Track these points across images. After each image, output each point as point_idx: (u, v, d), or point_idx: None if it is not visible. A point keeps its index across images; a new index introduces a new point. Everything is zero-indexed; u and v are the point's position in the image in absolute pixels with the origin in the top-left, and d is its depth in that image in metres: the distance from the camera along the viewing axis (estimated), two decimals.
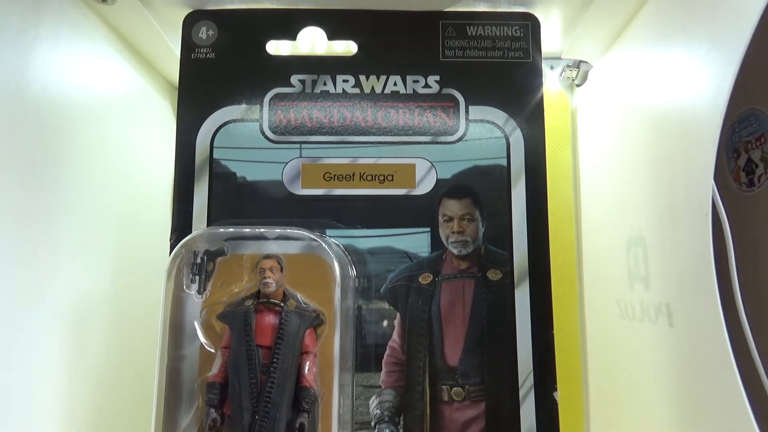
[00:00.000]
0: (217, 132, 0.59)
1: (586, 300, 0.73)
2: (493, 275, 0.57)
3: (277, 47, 0.67)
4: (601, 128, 0.70)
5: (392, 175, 0.59)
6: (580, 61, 0.75)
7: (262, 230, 0.55)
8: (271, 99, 0.60)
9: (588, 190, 0.74)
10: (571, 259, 0.74)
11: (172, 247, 0.56)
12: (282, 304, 0.53)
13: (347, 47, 0.65)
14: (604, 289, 0.68)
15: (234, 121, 0.59)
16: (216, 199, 0.58)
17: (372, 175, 0.59)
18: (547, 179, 0.59)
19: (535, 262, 0.57)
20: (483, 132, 0.60)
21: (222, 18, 0.61)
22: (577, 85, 0.77)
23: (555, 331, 0.56)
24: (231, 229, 0.55)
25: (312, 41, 0.70)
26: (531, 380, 0.56)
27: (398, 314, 0.57)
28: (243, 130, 0.59)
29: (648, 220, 0.57)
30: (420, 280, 0.58)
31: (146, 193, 0.72)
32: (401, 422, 0.56)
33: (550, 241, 0.58)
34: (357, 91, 0.60)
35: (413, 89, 0.60)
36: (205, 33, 0.61)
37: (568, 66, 0.76)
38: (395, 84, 0.61)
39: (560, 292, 0.73)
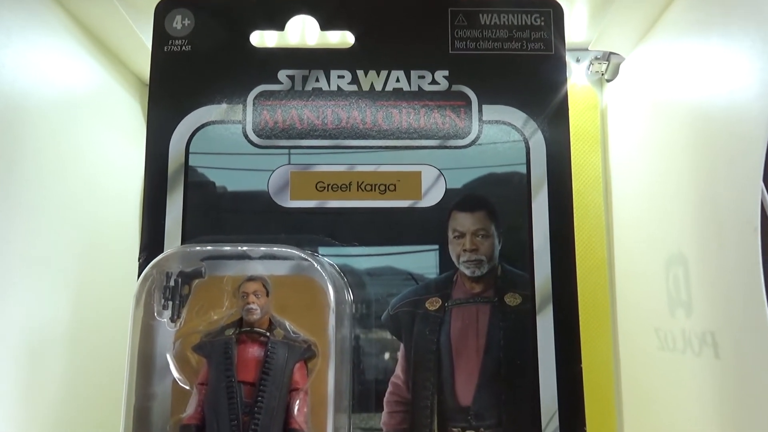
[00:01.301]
0: (193, 135, 0.60)
1: (620, 328, 0.73)
2: (512, 300, 0.58)
3: (262, 38, 0.68)
4: (635, 129, 0.71)
5: (395, 185, 0.59)
6: (610, 53, 0.76)
7: (245, 248, 0.56)
8: (255, 98, 0.61)
9: (621, 200, 0.74)
10: (602, 281, 0.74)
11: (141, 269, 0.56)
12: (268, 334, 0.53)
13: (343, 38, 0.66)
14: (640, 316, 0.68)
15: (213, 122, 0.60)
16: (192, 213, 0.58)
17: (371, 185, 0.59)
18: (573, 189, 0.60)
19: (560, 285, 0.58)
20: (499, 135, 0.61)
21: (199, 5, 0.62)
22: (607, 80, 0.78)
23: (583, 365, 0.56)
24: (209, 247, 0.56)
25: (302, 31, 0.71)
26: (556, 422, 0.56)
27: (402, 345, 0.58)
28: (223, 134, 0.60)
29: (690, 236, 0.57)
30: (427, 305, 0.58)
31: (112, 206, 0.73)
32: None
33: (577, 260, 0.58)
34: (354, 88, 0.61)
35: (418, 86, 0.61)
36: (180, 22, 0.62)
37: (596, 58, 0.77)
38: (398, 80, 0.61)
39: (589, 319, 0.73)
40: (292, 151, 0.60)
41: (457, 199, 0.59)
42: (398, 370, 0.57)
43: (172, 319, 0.54)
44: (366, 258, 0.58)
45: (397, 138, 0.60)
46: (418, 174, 0.60)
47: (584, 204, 0.75)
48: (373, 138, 0.60)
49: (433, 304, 0.58)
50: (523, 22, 0.62)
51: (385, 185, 0.59)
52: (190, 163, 0.59)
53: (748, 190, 0.46)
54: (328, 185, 0.59)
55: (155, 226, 0.58)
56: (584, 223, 0.75)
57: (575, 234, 0.59)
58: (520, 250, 0.58)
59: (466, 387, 0.57)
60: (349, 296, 0.57)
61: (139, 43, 0.71)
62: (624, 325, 0.73)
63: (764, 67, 0.46)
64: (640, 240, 0.69)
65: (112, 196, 0.73)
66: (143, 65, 0.76)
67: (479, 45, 0.62)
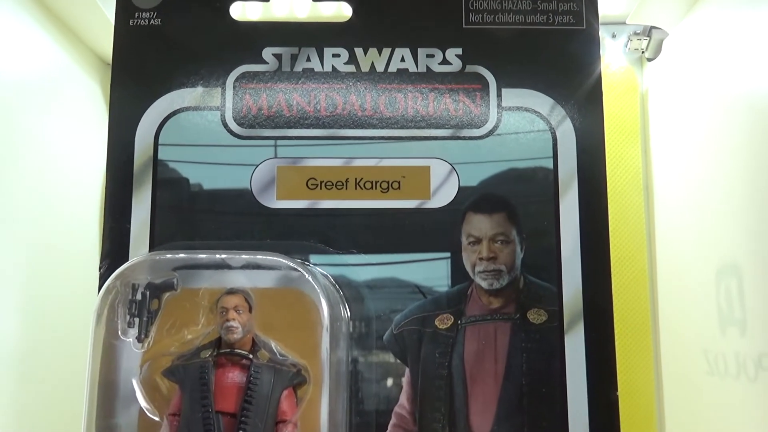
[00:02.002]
0: (163, 124, 0.60)
1: (663, 350, 0.74)
2: (536, 317, 0.58)
3: (244, 11, 0.68)
4: (681, 118, 0.71)
5: (399, 182, 0.60)
6: (652, 28, 0.76)
7: (223, 256, 0.56)
8: (236, 80, 0.61)
9: (664, 201, 0.74)
10: (642, 295, 0.75)
11: (102, 280, 0.56)
12: (251, 356, 0.53)
13: (338, 10, 0.66)
14: (686, 336, 0.69)
15: (187, 109, 0.61)
16: (162, 214, 0.59)
17: (372, 182, 0.60)
18: (609, 187, 0.60)
19: (593, 299, 0.58)
20: (521, 123, 0.61)
21: None
22: (648, 60, 0.78)
23: (620, 392, 0.57)
24: (182, 255, 0.56)
25: (291, 3, 0.72)
26: None
27: (407, 370, 0.58)
28: (199, 122, 0.60)
29: (744, 244, 0.57)
30: (437, 323, 0.59)
31: (67, 206, 0.73)
32: None
33: (612, 271, 0.59)
34: (351, 69, 0.62)
35: (427, 66, 0.62)
36: None
37: (635, 34, 0.77)
38: (403, 59, 0.62)
39: (627, 339, 0.73)
40: (279, 142, 0.60)
41: (473, 199, 0.60)
42: (403, 399, 0.58)
43: (139, 339, 0.55)
44: (365, 268, 0.59)
45: (402, 127, 0.61)
46: (427, 169, 0.60)
47: (621, 205, 0.75)
48: (374, 127, 0.61)
49: (443, 322, 0.58)
50: None
51: (388, 182, 0.60)
52: (160, 156, 0.60)
53: None
54: (321, 182, 0.60)
55: (119, 229, 0.58)
56: (621, 228, 0.75)
57: (611, 240, 0.59)
58: (545, 259, 0.59)
59: (482, 419, 0.57)
60: (346, 312, 0.58)
61: (99, 16, 0.72)
62: (667, 347, 0.73)
63: None
64: (687, 247, 0.69)
65: (68, 194, 0.73)
66: (105, 42, 0.76)
67: (498, 18, 0.62)
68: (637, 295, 0.74)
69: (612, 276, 0.59)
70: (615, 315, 0.58)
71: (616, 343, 0.58)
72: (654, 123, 0.77)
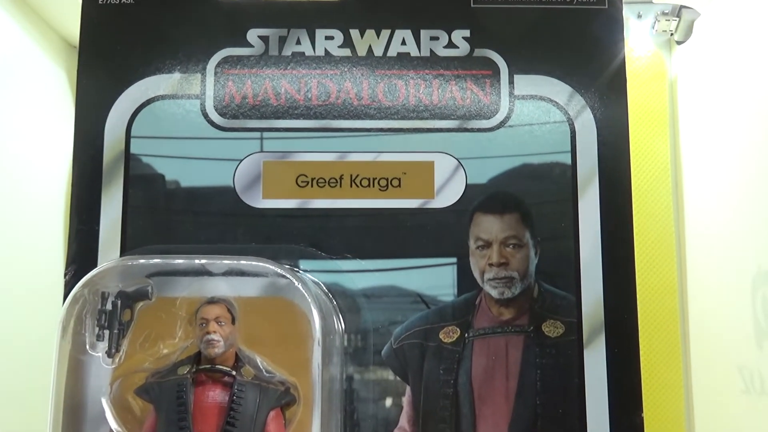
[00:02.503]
0: (136, 114, 0.61)
1: (693, 366, 0.74)
2: (552, 329, 0.59)
3: None
4: (714, 108, 0.72)
5: (399, 179, 0.60)
6: (681, 7, 0.76)
7: (203, 262, 0.56)
8: (218, 65, 0.61)
9: (695, 201, 0.75)
10: (671, 306, 0.75)
11: (68, 288, 0.56)
12: (234, 373, 0.53)
13: None
14: (719, 350, 0.69)
15: (162, 97, 0.61)
16: (135, 215, 0.59)
17: (369, 179, 0.60)
18: (633, 185, 0.60)
19: (615, 310, 0.58)
20: (535, 114, 0.61)
21: None
22: (678, 43, 0.79)
23: (646, 414, 0.57)
24: (157, 261, 0.56)
25: None
26: None
27: (408, 388, 0.58)
28: (176, 112, 0.61)
29: None
30: (441, 336, 0.59)
31: (28, 206, 0.73)
32: None
33: (638, 278, 0.59)
34: (347, 52, 0.62)
35: (431, 50, 0.62)
36: None
37: (663, 14, 0.78)
38: (404, 42, 0.62)
39: (654, 354, 0.73)
40: (266, 134, 0.61)
41: (481, 198, 0.60)
42: (403, 421, 0.58)
43: (110, 354, 0.55)
44: (362, 275, 0.59)
45: (403, 118, 0.61)
46: (430, 165, 0.60)
47: (647, 205, 0.75)
48: (372, 118, 0.61)
49: (449, 335, 0.59)
50: None
51: (387, 180, 0.60)
52: (133, 149, 0.60)
53: None
54: (313, 179, 0.60)
55: (86, 232, 0.59)
56: (647, 230, 0.75)
57: (636, 244, 0.59)
58: (562, 265, 0.59)
59: None
60: (340, 324, 0.58)
61: None
62: (699, 362, 0.73)
63: None
64: (721, 252, 0.69)
65: (28, 192, 0.73)
66: (70, 22, 0.76)
67: None
68: (664, 306, 0.74)
69: (637, 284, 0.59)
70: (640, 327, 0.58)
71: (642, 358, 0.58)
72: (684, 113, 0.77)
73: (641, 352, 0.58)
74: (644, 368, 0.58)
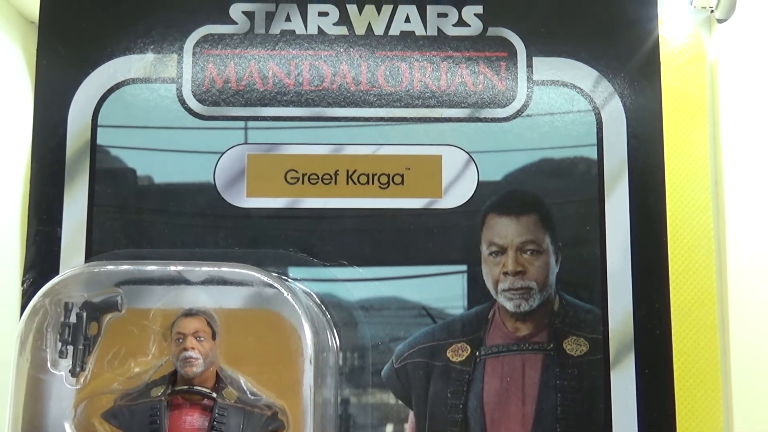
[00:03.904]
0: (104, 100, 0.61)
1: (735, 389, 0.74)
2: (574, 347, 0.59)
3: None
4: (759, 94, 0.72)
5: (402, 176, 0.60)
6: None
7: (180, 269, 0.56)
8: (196, 44, 0.62)
9: (738, 201, 0.75)
10: (710, 320, 0.75)
11: (26, 298, 0.57)
12: (214, 395, 0.54)
13: None
14: (765, 371, 0.69)
15: (133, 81, 0.61)
16: (102, 215, 0.59)
17: (368, 176, 0.60)
18: (667, 183, 0.61)
19: (646, 325, 0.58)
20: (557, 102, 0.62)
21: None
22: (719, 21, 0.79)
23: None
24: (127, 267, 0.57)
25: None
26: None
27: (411, 413, 0.59)
28: (149, 97, 0.61)
29: None
30: (449, 355, 0.59)
31: None
32: None
33: (672, 290, 0.59)
34: (343, 31, 0.62)
35: (438, 28, 0.62)
36: None
37: None
38: (408, 19, 0.62)
39: (690, 374, 0.73)
40: (251, 123, 0.61)
41: (495, 198, 0.60)
42: None
43: (74, 372, 0.55)
44: (359, 284, 0.59)
45: (407, 105, 0.61)
46: (438, 159, 0.61)
47: (684, 205, 0.75)
48: (371, 105, 0.61)
49: (458, 354, 0.59)
50: None
51: (389, 176, 0.60)
52: (99, 140, 0.60)
53: None
54: (304, 175, 0.60)
55: (47, 234, 0.59)
56: (683, 234, 0.75)
57: (670, 250, 0.60)
58: (587, 274, 0.59)
59: None
60: (335, 341, 0.58)
61: None
62: (741, 385, 0.73)
63: None
64: (766, 259, 0.69)
65: None
66: None
67: None
68: (702, 320, 0.74)
69: (671, 296, 0.59)
70: (674, 345, 0.59)
71: (676, 380, 0.58)
72: (725, 101, 0.77)
73: (675, 373, 0.59)
74: (679, 391, 0.58)
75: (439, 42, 0.62)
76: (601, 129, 0.61)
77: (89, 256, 0.58)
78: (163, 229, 0.60)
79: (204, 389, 0.54)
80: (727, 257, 0.75)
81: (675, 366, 0.58)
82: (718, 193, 0.77)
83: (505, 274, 0.59)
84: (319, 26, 0.62)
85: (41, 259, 0.58)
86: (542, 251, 0.60)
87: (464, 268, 0.60)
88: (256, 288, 0.56)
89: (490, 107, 0.61)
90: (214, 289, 0.56)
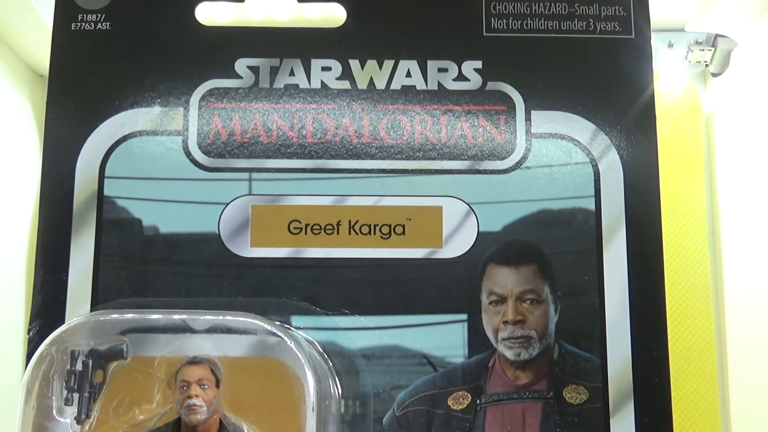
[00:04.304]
0: (111, 151, 0.62)
1: None
2: (574, 395, 0.59)
3: (213, 13, 0.70)
4: (754, 146, 0.72)
5: (404, 226, 0.61)
6: (717, 36, 0.78)
7: (184, 317, 0.57)
8: (202, 98, 0.63)
9: (735, 251, 0.75)
10: (708, 368, 0.75)
11: (32, 346, 0.57)
12: None
13: (329, 13, 0.68)
14: (765, 419, 0.69)
15: (140, 133, 0.62)
16: (108, 264, 0.60)
17: (370, 226, 0.61)
18: (665, 234, 0.61)
19: (645, 373, 0.59)
20: (555, 154, 0.62)
21: None
22: (713, 75, 0.80)
23: None
24: (132, 316, 0.57)
25: (271, 3, 0.73)
26: None
27: None
28: (155, 149, 0.62)
29: None
30: (450, 403, 0.59)
31: None
32: None
33: (670, 337, 0.59)
34: (345, 85, 0.63)
35: (438, 83, 0.63)
36: None
37: (696, 43, 0.79)
38: (409, 74, 0.63)
39: (690, 423, 0.73)
40: (255, 175, 0.62)
41: (495, 248, 0.61)
42: None
43: (79, 420, 0.55)
44: (361, 333, 0.60)
45: (408, 158, 0.62)
46: (439, 210, 0.61)
47: (681, 255, 0.76)
48: (373, 158, 0.62)
49: (458, 402, 0.59)
50: None
51: (390, 226, 0.61)
52: (107, 191, 0.61)
53: None
54: (307, 226, 0.61)
55: (53, 283, 0.59)
56: (681, 283, 0.75)
57: (668, 299, 0.60)
58: (586, 323, 0.60)
59: None
60: (337, 389, 0.59)
61: (33, 18, 0.73)
62: None
63: None
64: (765, 308, 0.69)
65: None
66: (39, 49, 0.77)
67: (526, 24, 0.64)
68: (701, 368, 0.75)
69: (670, 344, 0.59)
70: (674, 393, 0.59)
71: (675, 428, 0.58)
72: (721, 153, 0.78)
73: (675, 422, 0.58)
74: None
75: (440, 96, 0.63)
76: (599, 180, 0.62)
77: (95, 305, 0.59)
78: (168, 279, 0.60)
79: None
80: (725, 306, 0.76)
81: (674, 414, 0.58)
82: (715, 243, 0.77)
83: (505, 323, 0.60)
84: (322, 80, 0.63)
85: (47, 307, 0.59)
86: (541, 300, 0.60)
87: (465, 317, 0.60)
88: (259, 336, 0.57)
89: (489, 159, 0.62)
90: (218, 338, 0.57)
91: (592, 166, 0.62)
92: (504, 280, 0.60)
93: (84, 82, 0.63)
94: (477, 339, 0.60)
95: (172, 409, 0.55)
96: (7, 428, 0.54)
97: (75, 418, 0.55)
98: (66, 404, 0.55)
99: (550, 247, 0.61)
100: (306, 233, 0.61)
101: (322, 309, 0.60)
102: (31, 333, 0.58)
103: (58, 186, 0.61)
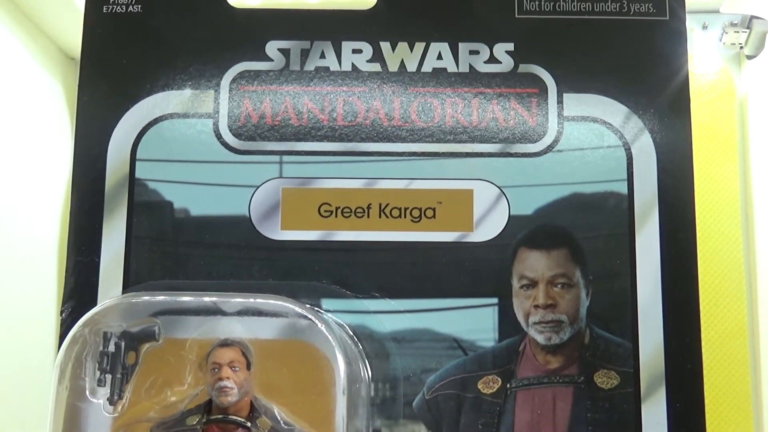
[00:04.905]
0: (142, 134, 0.62)
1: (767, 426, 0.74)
2: (605, 380, 0.59)
3: None
4: None
5: (434, 209, 0.61)
6: (752, 17, 0.77)
7: (215, 300, 0.57)
8: (233, 80, 0.63)
9: None
10: (741, 353, 0.75)
11: (65, 328, 0.57)
12: (248, 425, 0.54)
13: None
14: None
15: (172, 116, 0.62)
16: (140, 247, 0.60)
17: (400, 209, 0.61)
18: (698, 217, 0.61)
19: (678, 358, 0.58)
20: (587, 137, 0.62)
21: None
22: (748, 57, 0.79)
23: None
24: (164, 298, 0.58)
25: None
26: None
27: None
28: (186, 132, 0.62)
29: None
30: (480, 387, 0.59)
31: (20, 236, 0.74)
32: None
33: (703, 322, 0.59)
34: (376, 68, 0.63)
35: (470, 65, 0.63)
36: None
37: (731, 25, 0.78)
38: (440, 57, 0.63)
39: (722, 408, 0.73)
40: (285, 158, 0.62)
41: (526, 232, 0.61)
42: None
43: (111, 401, 0.56)
44: (391, 316, 0.60)
45: (439, 141, 0.62)
46: (470, 193, 0.61)
47: (714, 239, 0.76)
48: (404, 140, 0.62)
49: (488, 386, 0.59)
50: None
51: (421, 210, 0.61)
52: (138, 174, 0.61)
53: None
54: (337, 209, 0.61)
55: (85, 265, 0.60)
56: (714, 268, 0.75)
57: (701, 283, 0.60)
58: (618, 308, 0.60)
59: None
60: (367, 372, 0.59)
61: (65, 1, 0.74)
62: None
63: None
64: None
65: (20, 220, 0.75)
66: (71, 32, 0.78)
67: (559, 6, 0.64)
68: (734, 354, 0.74)
69: (703, 329, 0.59)
70: (706, 379, 0.58)
71: (708, 414, 0.58)
72: (756, 136, 0.78)
73: (707, 407, 0.58)
74: (710, 426, 0.58)
75: (471, 78, 0.63)
76: (632, 164, 0.61)
77: (126, 287, 0.59)
78: (199, 261, 0.60)
79: (238, 418, 0.55)
80: (758, 291, 0.76)
81: (706, 400, 0.58)
82: (749, 227, 0.77)
83: (536, 307, 0.60)
84: (353, 63, 0.63)
85: (80, 289, 0.59)
86: (573, 285, 0.60)
87: (495, 300, 0.60)
88: (290, 319, 0.57)
89: (521, 142, 0.62)
90: (249, 320, 0.57)
91: (625, 150, 0.62)
92: (535, 264, 0.60)
93: (115, 65, 0.63)
94: (507, 323, 0.60)
95: (204, 390, 0.56)
96: (41, 408, 0.55)
97: (107, 399, 0.56)
98: (99, 385, 0.56)
99: (582, 231, 0.61)
100: (336, 216, 0.61)
101: (352, 292, 0.60)
102: (63, 314, 0.59)
103: (90, 169, 0.61)
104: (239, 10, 0.64)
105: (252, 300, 0.57)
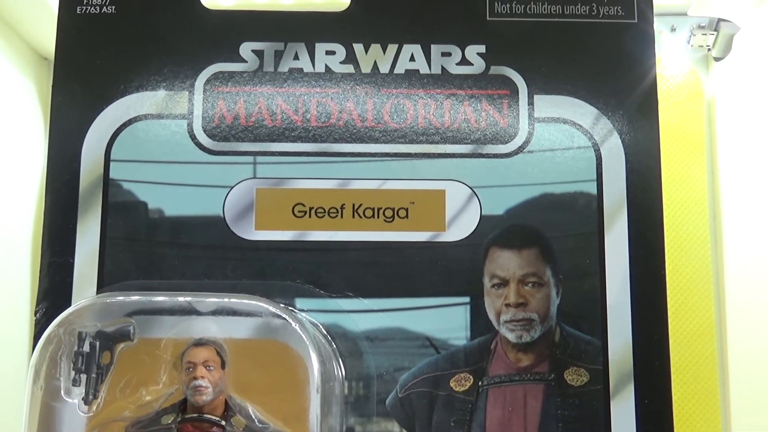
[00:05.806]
0: (116, 135, 0.62)
1: (735, 420, 0.74)
2: (575, 378, 0.60)
3: None
4: (756, 130, 0.73)
5: (407, 209, 0.62)
6: (719, 20, 0.78)
7: (189, 299, 0.58)
8: (207, 81, 0.63)
9: (736, 234, 0.75)
10: (708, 351, 0.75)
11: (39, 328, 0.57)
12: (223, 423, 0.55)
13: None
14: (764, 402, 0.69)
15: (146, 117, 0.62)
16: (114, 247, 0.60)
17: (374, 209, 0.61)
18: (666, 217, 0.61)
19: (646, 356, 0.59)
20: (557, 138, 0.63)
21: None
22: (716, 59, 0.80)
23: None
24: (139, 298, 0.58)
25: None
26: None
27: None
28: (160, 133, 0.62)
29: None
30: (452, 384, 0.60)
31: None
32: None
33: (670, 321, 0.60)
34: (349, 69, 0.63)
35: (442, 67, 0.64)
36: None
37: (699, 27, 0.79)
38: (412, 58, 0.64)
39: (689, 405, 0.74)
40: (259, 158, 0.62)
41: (498, 231, 0.61)
42: None
43: (86, 400, 0.56)
44: (364, 315, 0.60)
45: (411, 142, 0.63)
46: (441, 194, 0.62)
47: (682, 239, 0.76)
48: (377, 141, 0.62)
49: (461, 383, 0.60)
50: None
51: (394, 210, 0.62)
52: (112, 174, 0.61)
53: None
54: (311, 209, 0.61)
55: (60, 265, 0.60)
56: (682, 267, 0.76)
57: (668, 282, 0.60)
58: (587, 306, 0.60)
59: None
60: (340, 370, 0.59)
61: (38, 2, 0.73)
62: (740, 416, 0.74)
63: None
64: (765, 291, 0.70)
65: None
66: (44, 33, 0.78)
67: (530, 9, 0.64)
68: (701, 351, 0.75)
69: (670, 327, 0.60)
70: (674, 376, 0.59)
71: (675, 411, 0.59)
72: (723, 137, 0.78)
73: (675, 404, 0.59)
74: (678, 422, 0.58)
75: (443, 80, 0.63)
76: (601, 165, 0.62)
77: (101, 287, 0.59)
78: (174, 261, 0.61)
79: (213, 417, 0.55)
80: (726, 290, 0.76)
81: (674, 397, 0.59)
82: (716, 226, 0.78)
83: (507, 305, 0.60)
84: (326, 64, 0.63)
85: (54, 289, 0.59)
86: (543, 284, 0.60)
87: (467, 299, 0.61)
88: (264, 318, 0.57)
89: (492, 143, 0.62)
90: (223, 320, 0.57)
91: (594, 151, 0.62)
92: (506, 263, 0.61)
93: (89, 66, 0.63)
94: (479, 321, 0.60)
95: (179, 389, 0.56)
96: (15, 408, 0.54)
97: (82, 399, 0.56)
98: (74, 385, 0.56)
99: (552, 231, 0.61)
100: (310, 216, 0.61)
101: (326, 291, 0.60)
102: (38, 315, 0.58)
103: (64, 169, 0.61)
104: (213, 11, 0.64)
105: (226, 300, 0.57)
